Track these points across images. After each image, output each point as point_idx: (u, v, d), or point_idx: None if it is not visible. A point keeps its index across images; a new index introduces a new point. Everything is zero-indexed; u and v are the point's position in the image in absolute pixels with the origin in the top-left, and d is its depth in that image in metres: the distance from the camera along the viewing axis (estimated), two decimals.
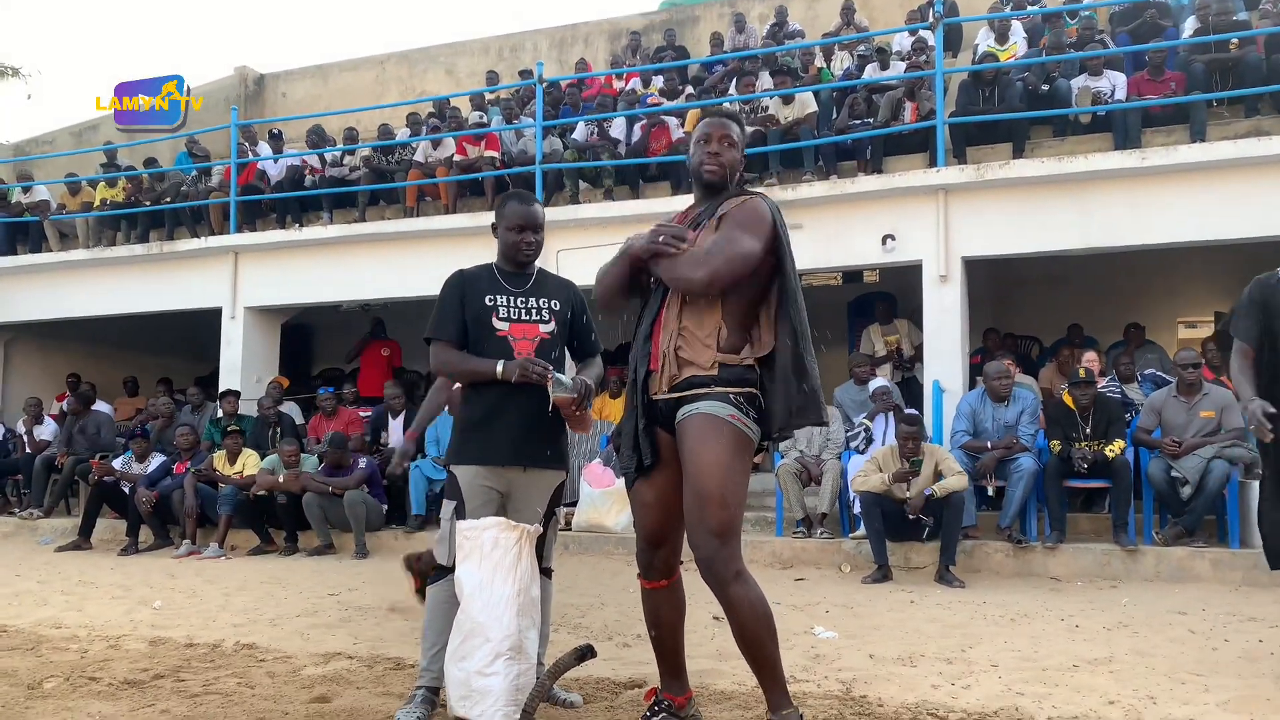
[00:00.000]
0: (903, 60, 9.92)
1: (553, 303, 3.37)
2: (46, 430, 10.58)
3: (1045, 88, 8.75)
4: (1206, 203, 7.43)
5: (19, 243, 12.08)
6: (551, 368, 3.17)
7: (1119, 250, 7.96)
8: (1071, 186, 7.79)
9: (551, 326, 3.34)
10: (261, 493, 8.26)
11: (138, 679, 3.72)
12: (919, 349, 9.06)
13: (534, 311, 3.32)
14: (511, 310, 3.29)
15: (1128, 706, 3.35)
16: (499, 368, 3.17)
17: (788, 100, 9.27)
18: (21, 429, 10.71)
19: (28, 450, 10.40)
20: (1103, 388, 7.33)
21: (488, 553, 3.07)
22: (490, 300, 3.28)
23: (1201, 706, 3.36)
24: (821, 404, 2.84)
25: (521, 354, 3.23)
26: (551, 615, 3.56)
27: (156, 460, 9.04)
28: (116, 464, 9.06)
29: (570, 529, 7.89)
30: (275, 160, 11.46)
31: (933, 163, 8.33)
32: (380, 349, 11.71)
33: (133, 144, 12.69)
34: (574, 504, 8.04)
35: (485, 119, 10.96)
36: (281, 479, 8.21)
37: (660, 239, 2.81)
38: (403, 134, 11.40)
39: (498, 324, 3.26)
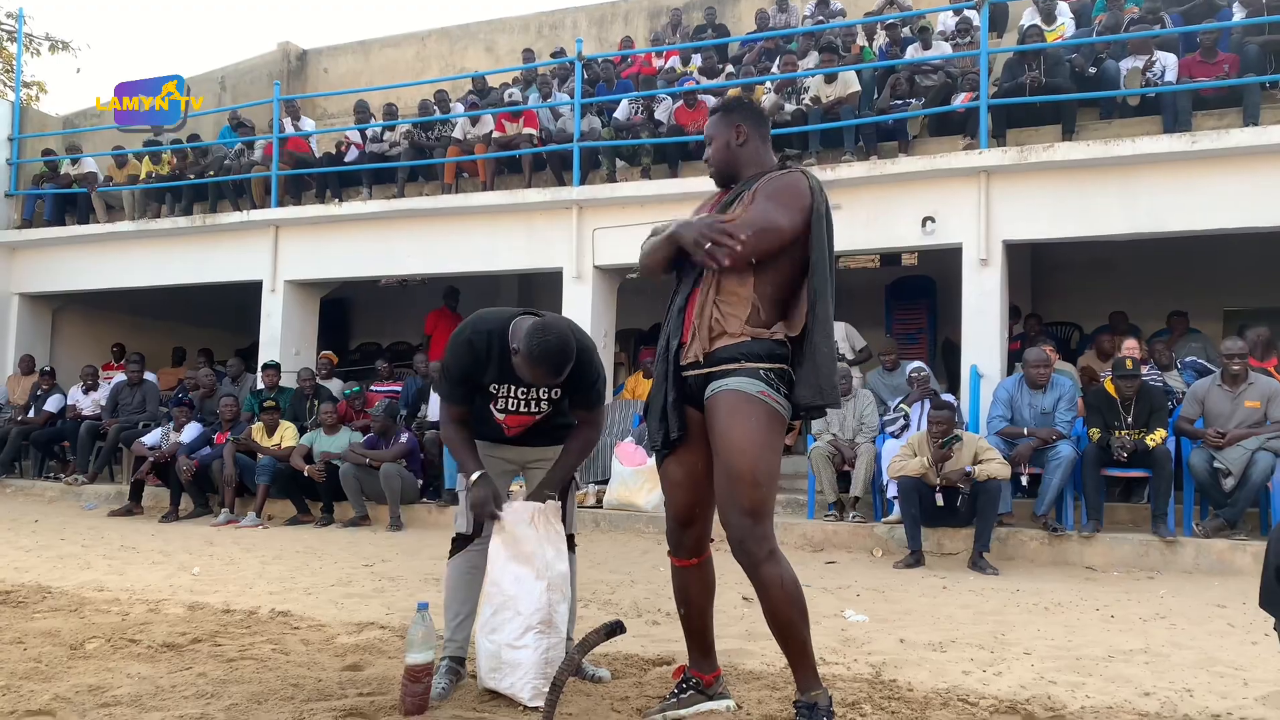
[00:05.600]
0: (946, 40, 9.75)
1: (554, 391, 3.28)
2: (89, 399, 10.78)
3: (1092, 70, 8.57)
4: (1258, 188, 7.26)
5: (68, 214, 12.30)
6: (502, 513, 3.13)
7: (1165, 236, 7.80)
8: (1117, 170, 7.64)
9: (547, 411, 3.31)
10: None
11: (176, 642, 3.80)
12: (861, 351, 8.93)
13: (534, 403, 3.29)
14: (510, 403, 3.27)
15: (1164, 699, 3.29)
16: (471, 480, 3.17)
17: (830, 79, 9.16)
18: (72, 397, 10.92)
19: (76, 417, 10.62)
20: (1144, 375, 7.21)
21: (513, 527, 3.10)
22: (494, 389, 3.25)
23: (1240, 700, 3.30)
24: (835, 388, 2.76)
25: (511, 430, 3.32)
26: (580, 591, 3.57)
27: (191, 429, 9.19)
28: (149, 440, 9.21)
29: (601, 506, 7.92)
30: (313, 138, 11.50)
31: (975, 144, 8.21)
32: (454, 321, 11.80)
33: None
34: (605, 481, 8.07)
35: (521, 95, 10.93)
36: (307, 471, 8.36)
37: (708, 245, 2.67)
38: (436, 111, 11.41)
39: (495, 411, 3.28)
